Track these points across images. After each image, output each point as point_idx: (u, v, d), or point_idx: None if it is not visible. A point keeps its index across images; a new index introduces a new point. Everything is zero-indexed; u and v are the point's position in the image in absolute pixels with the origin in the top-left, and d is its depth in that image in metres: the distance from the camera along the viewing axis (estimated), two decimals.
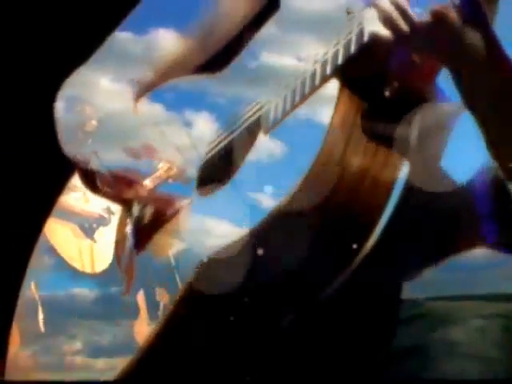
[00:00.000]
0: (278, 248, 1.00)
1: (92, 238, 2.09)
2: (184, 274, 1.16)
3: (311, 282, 0.99)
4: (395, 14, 0.83)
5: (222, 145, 1.23)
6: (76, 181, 1.52)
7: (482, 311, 0.98)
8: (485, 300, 0.99)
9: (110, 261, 1.34)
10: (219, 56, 1.30)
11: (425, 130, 0.96)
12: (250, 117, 1.17)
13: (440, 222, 0.99)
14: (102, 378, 1.34)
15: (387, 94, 0.94)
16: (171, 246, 1.26)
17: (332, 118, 0.98)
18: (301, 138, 1.08)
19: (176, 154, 1.32)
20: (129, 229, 1.35)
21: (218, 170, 1.21)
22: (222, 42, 1.27)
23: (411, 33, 0.83)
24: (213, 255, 1.06)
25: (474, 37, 0.80)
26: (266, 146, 1.15)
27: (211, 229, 1.23)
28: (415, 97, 0.95)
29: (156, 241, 1.31)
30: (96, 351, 1.48)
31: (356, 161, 0.97)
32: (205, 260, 1.07)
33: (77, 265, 1.48)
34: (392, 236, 0.98)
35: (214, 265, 1.05)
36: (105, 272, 1.41)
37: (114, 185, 1.29)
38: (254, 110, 1.16)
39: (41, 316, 1.46)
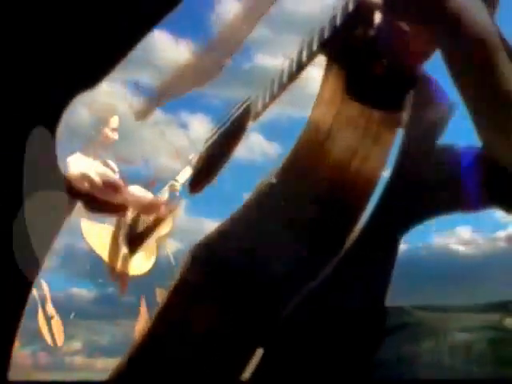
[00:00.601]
0: (262, 233, 0.98)
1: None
2: None
3: (298, 269, 0.97)
4: None
5: (213, 138, 1.23)
6: None
7: (469, 323, 0.96)
8: (472, 311, 0.97)
9: (152, 262, 1.34)
10: None
11: (419, 107, 0.95)
12: (240, 107, 1.17)
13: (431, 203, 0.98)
14: (102, 378, 1.35)
15: (376, 70, 0.91)
16: (165, 247, 1.27)
17: (318, 94, 0.96)
18: (295, 138, 1.09)
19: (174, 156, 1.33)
20: (122, 236, 1.35)
21: (209, 164, 1.20)
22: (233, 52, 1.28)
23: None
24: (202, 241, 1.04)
25: (462, 2, 0.78)
26: (260, 147, 1.17)
27: (208, 229, 1.24)
28: (405, 75, 0.92)
29: (147, 245, 1.32)
30: (95, 351, 1.48)
31: (343, 140, 0.94)
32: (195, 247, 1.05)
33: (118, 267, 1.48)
34: (380, 219, 0.96)
35: (205, 249, 1.04)
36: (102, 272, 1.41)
37: (102, 191, 1.28)
38: (244, 101, 1.16)
39: (40, 316, 1.47)
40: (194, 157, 1.28)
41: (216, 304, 1.02)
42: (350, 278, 0.99)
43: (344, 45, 0.93)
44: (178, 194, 1.86)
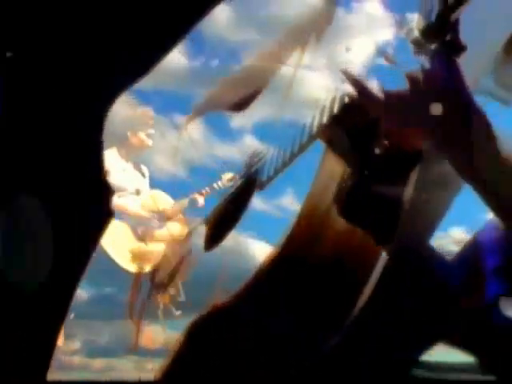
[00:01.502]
0: (269, 305, 0.96)
1: (141, 239, 2.07)
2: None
3: (305, 343, 0.95)
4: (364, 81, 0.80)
5: (224, 200, 1.24)
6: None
7: None
8: (470, 371, 0.95)
9: (155, 263, 1.32)
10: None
11: (423, 189, 0.91)
12: (246, 171, 1.18)
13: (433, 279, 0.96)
14: (101, 378, 1.36)
15: (377, 152, 0.88)
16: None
17: (317, 175, 0.96)
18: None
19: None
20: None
21: (221, 224, 1.21)
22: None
23: (384, 99, 0.78)
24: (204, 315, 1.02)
25: (445, 103, 0.73)
26: (254, 148, 1.19)
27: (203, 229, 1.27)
28: (408, 154, 0.88)
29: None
30: (94, 351, 1.50)
31: (341, 221, 0.92)
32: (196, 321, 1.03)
33: (123, 263, 1.46)
34: (384, 293, 0.92)
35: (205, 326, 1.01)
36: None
37: None
38: (251, 163, 1.17)
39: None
40: (226, 174, 1.27)
41: None
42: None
43: (343, 130, 0.91)
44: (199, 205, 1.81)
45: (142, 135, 2.57)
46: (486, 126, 0.73)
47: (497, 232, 0.85)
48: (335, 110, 0.90)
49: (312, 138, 0.96)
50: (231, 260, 1.19)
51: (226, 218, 1.19)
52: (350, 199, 0.90)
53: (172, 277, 1.27)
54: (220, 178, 2.44)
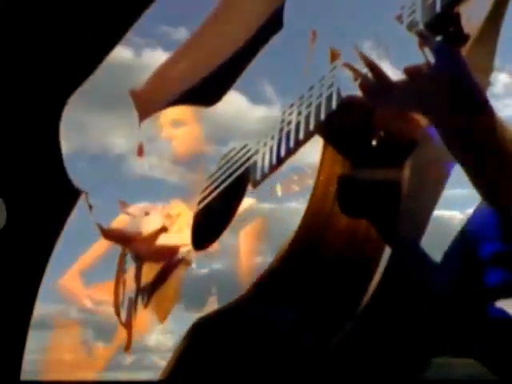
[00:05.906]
0: (283, 299, 0.99)
1: None
2: None
3: (313, 336, 0.98)
4: (368, 75, 0.82)
5: (212, 197, 1.22)
6: None
7: None
8: None
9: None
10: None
11: (419, 172, 0.94)
12: (238, 168, 1.15)
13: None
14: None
15: (374, 143, 0.91)
16: (170, 310, 1.24)
17: (318, 174, 0.98)
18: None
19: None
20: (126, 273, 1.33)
21: (211, 222, 1.19)
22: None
23: (385, 92, 0.81)
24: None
25: (450, 91, 0.77)
26: None
27: None
28: (404, 141, 0.91)
29: (157, 303, 1.29)
30: None
31: (343, 221, 0.96)
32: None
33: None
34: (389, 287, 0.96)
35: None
36: None
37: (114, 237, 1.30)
38: (242, 159, 1.15)
39: None
40: None
41: None
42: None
43: (341, 125, 0.94)
44: None
45: None
46: (491, 115, 0.78)
47: (489, 216, 0.86)
48: (333, 105, 0.92)
49: (309, 133, 0.98)
50: None
51: (214, 218, 1.18)
52: (350, 192, 0.94)
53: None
54: None
